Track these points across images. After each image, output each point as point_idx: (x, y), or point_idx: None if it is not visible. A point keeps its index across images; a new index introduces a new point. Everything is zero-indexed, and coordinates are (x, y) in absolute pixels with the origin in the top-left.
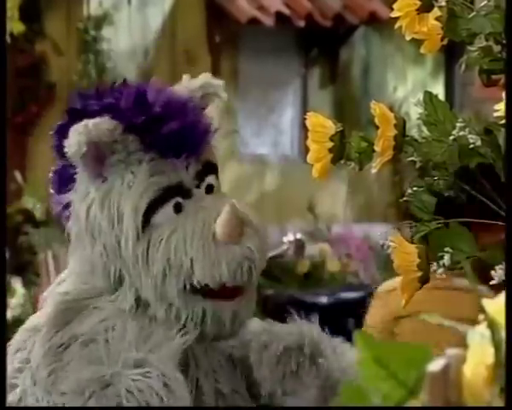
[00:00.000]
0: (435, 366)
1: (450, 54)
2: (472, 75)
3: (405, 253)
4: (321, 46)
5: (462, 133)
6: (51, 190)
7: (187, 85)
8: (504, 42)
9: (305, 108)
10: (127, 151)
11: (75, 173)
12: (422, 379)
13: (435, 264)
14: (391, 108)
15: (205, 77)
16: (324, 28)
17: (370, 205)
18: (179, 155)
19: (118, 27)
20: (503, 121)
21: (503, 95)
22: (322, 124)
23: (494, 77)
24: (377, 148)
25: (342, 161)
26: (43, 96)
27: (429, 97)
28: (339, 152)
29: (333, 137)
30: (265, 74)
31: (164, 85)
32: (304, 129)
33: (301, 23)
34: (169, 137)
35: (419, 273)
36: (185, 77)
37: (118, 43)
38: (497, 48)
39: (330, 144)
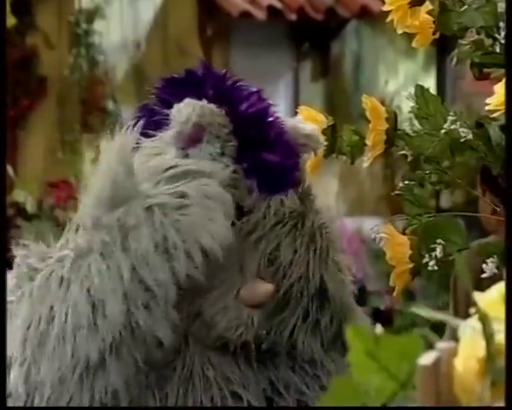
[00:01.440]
0: (427, 359)
1: (442, 47)
2: (463, 69)
3: (397, 244)
4: (312, 40)
5: (453, 127)
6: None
7: (296, 124)
8: (496, 35)
9: (296, 101)
10: (221, 151)
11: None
12: (414, 372)
13: (427, 256)
14: (382, 102)
15: (314, 129)
16: (316, 22)
17: (362, 199)
18: (259, 185)
19: (109, 21)
20: (496, 115)
21: (495, 88)
22: (314, 117)
23: (485, 70)
24: (369, 141)
25: (334, 155)
26: (34, 90)
27: (421, 91)
28: (330, 146)
29: (324, 130)
30: (257, 68)
31: (279, 114)
32: None
33: (293, 17)
34: (262, 165)
35: (411, 265)
36: (299, 117)
37: (109, 36)
38: (488, 41)
39: (322, 138)
